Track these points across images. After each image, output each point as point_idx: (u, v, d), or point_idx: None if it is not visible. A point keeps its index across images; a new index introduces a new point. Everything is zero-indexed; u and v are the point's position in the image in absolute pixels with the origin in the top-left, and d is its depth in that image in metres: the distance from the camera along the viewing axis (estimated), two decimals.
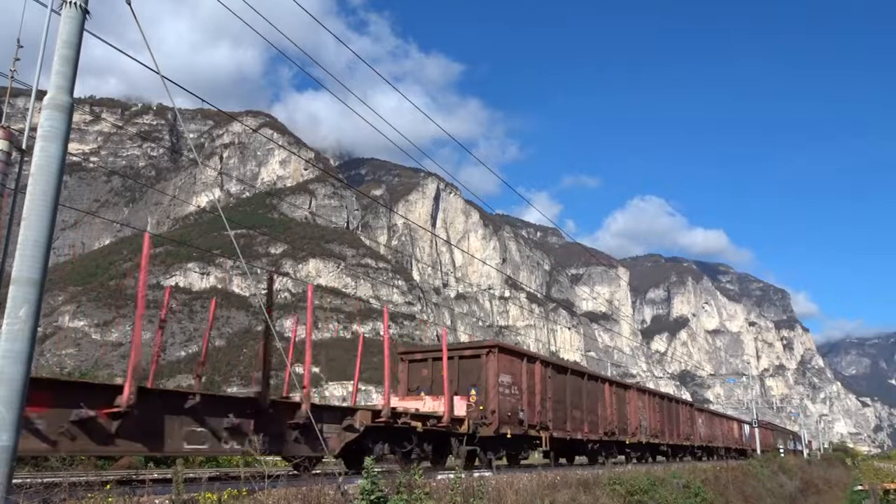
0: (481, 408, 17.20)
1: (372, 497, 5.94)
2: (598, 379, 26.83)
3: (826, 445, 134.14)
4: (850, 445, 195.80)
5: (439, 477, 11.08)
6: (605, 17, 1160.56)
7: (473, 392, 17.35)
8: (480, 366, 18.17)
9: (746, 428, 54.62)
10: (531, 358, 20.85)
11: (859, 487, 41.50)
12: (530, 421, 19.50)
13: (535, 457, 26.64)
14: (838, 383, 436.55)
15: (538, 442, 21.04)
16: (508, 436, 18.27)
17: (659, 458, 34.31)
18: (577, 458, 25.61)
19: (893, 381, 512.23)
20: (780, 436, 75.63)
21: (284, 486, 7.84)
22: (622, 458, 28.04)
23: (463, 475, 10.31)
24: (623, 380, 32.57)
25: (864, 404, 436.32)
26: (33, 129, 5.88)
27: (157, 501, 6.80)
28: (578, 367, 27.74)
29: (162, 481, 9.26)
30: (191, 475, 11.23)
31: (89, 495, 6.19)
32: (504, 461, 18.98)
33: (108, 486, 6.89)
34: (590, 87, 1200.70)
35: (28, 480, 7.75)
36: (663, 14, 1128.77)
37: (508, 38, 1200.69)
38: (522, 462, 20.33)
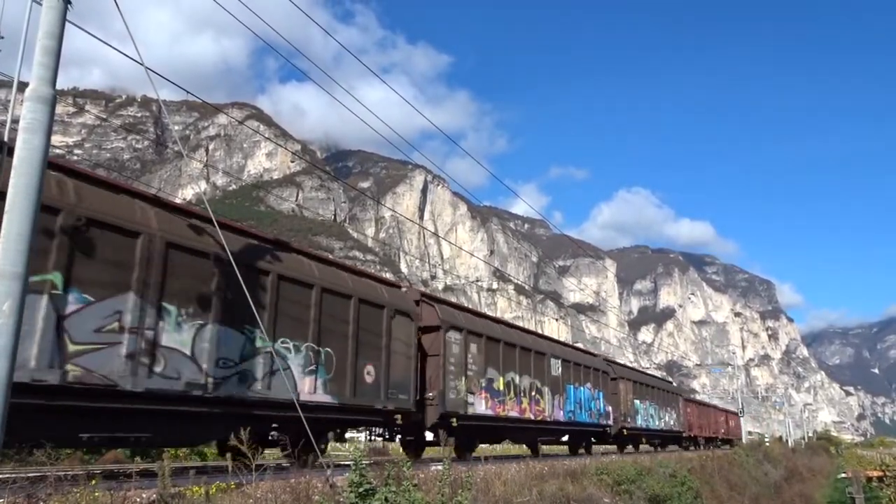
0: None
1: (360, 489, 5.95)
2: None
3: (810, 434, 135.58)
4: (834, 434, 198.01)
5: (432, 468, 11.12)
6: (593, 9, 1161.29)
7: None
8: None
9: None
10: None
11: (843, 475, 41.98)
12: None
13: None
14: (822, 373, 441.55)
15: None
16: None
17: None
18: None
19: (876, 371, 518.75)
20: (660, 398, 35.90)
21: (272, 479, 7.83)
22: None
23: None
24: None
25: (848, 393, 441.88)
26: (15, 121, 5.81)
27: (144, 495, 6.76)
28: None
29: (149, 474, 9.22)
30: (176, 467, 11.17)
31: (75, 490, 6.15)
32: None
33: (95, 481, 6.85)
34: (579, 80, 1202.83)
35: (11, 476, 7.70)
36: (650, 6, 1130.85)
37: (497, 29, 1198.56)
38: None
